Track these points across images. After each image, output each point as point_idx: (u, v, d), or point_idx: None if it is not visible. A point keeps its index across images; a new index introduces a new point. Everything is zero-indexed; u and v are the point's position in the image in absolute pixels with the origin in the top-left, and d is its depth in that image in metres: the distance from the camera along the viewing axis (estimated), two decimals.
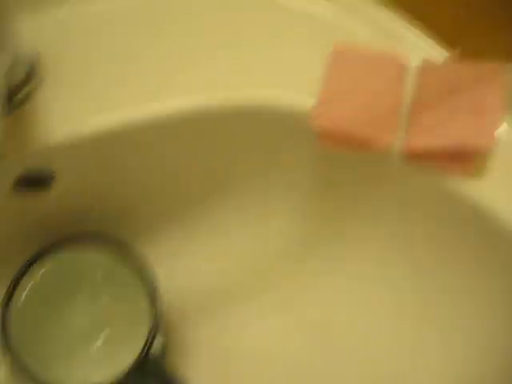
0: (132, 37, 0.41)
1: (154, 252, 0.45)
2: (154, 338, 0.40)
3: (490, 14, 0.47)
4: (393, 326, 0.44)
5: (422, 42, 0.41)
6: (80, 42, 0.41)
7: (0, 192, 0.40)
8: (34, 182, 0.40)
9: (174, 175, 0.44)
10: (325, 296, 0.46)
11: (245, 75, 0.40)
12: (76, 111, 0.38)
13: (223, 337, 0.46)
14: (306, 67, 0.40)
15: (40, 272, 0.42)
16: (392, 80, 0.39)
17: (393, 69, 0.39)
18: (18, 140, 0.37)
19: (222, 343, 0.46)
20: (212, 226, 0.46)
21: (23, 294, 0.42)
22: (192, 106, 0.40)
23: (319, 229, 0.45)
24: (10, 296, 0.41)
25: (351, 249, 0.44)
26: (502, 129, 0.37)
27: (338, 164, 0.41)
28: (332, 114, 0.38)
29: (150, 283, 0.41)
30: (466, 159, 0.37)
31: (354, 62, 0.40)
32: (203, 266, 0.46)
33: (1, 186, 0.39)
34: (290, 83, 0.40)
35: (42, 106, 0.38)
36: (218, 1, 0.43)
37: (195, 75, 0.40)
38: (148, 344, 0.40)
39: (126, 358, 0.40)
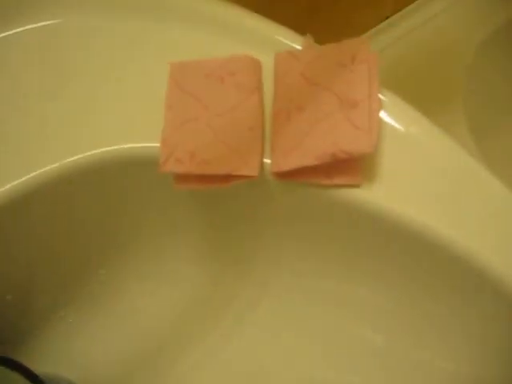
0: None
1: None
2: None
3: None
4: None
5: (273, 34, 0.35)
6: None
7: None
8: None
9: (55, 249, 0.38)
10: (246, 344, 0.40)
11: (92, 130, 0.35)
12: None
13: None
14: (149, 102, 0.34)
15: None
16: (245, 89, 0.33)
17: (244, 74, 0.33)
18: None
19: None
20: (112, 297, 0.41)
21: None
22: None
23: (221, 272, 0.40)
24: None
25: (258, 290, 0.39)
26: (383, 116, 0.31)
27: (213, 199, 0.35)
28: (181, 154, 0.32)
29: None
30: (347, 167, 0.30)
31: (196, 78, 0.34)
32: (112, 342, 0.41)
33: None
34: (135, 128, 0.34)
35: None
36: None
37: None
38: None
39: None
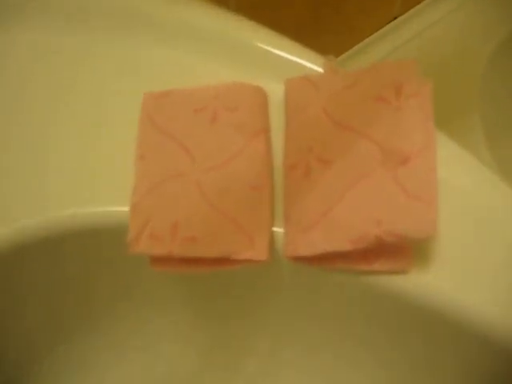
0: None
1: None
2: None
3: None
4: None
5: (280, 52, 0.26)
6: None
7: None
8: None
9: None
10: None
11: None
12: None
13: None
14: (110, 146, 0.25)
15: None
16: (246, 129, 0.24)
17: (243, 109, 0.24)
18: None
19: None
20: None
21: None
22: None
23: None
24: None
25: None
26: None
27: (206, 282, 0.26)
28: (157, 227, 0.22)
29: None
30: (392, 251, 0.21)
31: (180, 116, 0.24)
32: None
33: None
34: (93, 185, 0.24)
35: None
36: None
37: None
38: None
39: None
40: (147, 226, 0.23)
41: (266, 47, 0.26)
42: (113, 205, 0.24)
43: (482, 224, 0.23)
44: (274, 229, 0.23)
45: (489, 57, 0.57)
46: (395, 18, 0.59)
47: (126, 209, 0.23)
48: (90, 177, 0.25)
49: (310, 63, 0.26)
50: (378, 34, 0.56)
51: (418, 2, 0.60)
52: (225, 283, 0.28)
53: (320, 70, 0.25)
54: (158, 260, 0.23)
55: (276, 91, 0.25)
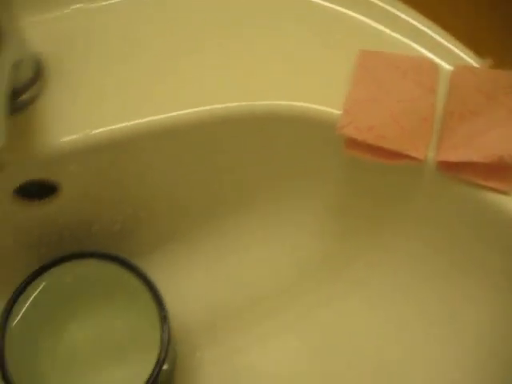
0: (139, 39, 0.38)
1: (157, 272, 0.40)
2: (161, 367, 0.37)
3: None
4: (408, 350, 0.41)
5: (450, 46, 0.39)
6: (84, 44, 0.39)
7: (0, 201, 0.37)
8: (36, 192, 0.37)
9: (179, 190, 0.41)
10: (334, 320, 0.43)
11: (266, 80, 0.38)
12: (80, 118, 0.36)
13: (229, 359, 0.44)
14: (330, 72, 0.38)
15: (39, 288, 0.39)
16: (424, 86, 0.37)
17: (424, 74, 0.37)
18: (20, 146, 0.34)
19: (227, 366, 0.43)
20: (220, 244, 0.43)
21: (22, 311, 0.39)
22: (204, 113, 0.37)
23: (338, 249, 0.43)
24: (8, 312, 0.38)
25: (370, 272, 0.41)
26: None
27: (364, 174, 0.38)
28: (360, 124, 0.36)
29: (160, 307, 0.38)
30: (504, 174, 0.34)
31: (382, 67, 0.38)
32: (208, 287, 0.43)
33: (1, 195, 0.36)
34: (314, 90, 0.38)
35: (45, 110, 0.35)
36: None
37: (210, 81, 0.38)
38: (155, 374, 0.37)
39: (136, 379, 0.37)
40: (352, 122, 0.36)
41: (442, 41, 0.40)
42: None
43: None
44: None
45: None
46: None
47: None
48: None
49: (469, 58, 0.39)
50: None
51: None
52: (376, 193, 0.40)
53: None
54: (352, 144, 0.36)
55: (444, 70, 0.38)
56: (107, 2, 0.40)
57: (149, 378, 0.36)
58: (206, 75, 0.38)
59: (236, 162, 0.41)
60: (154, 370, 0.36)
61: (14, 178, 0.36)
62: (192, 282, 0.43)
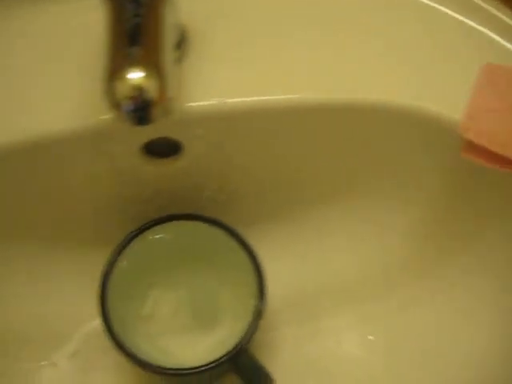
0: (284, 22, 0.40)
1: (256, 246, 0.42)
2: (253, 333, 0.39)
3: None
4: None
5: None
6: (226, 19, 0.41)
7: (128, 154, 0.39)
8: (160, 150, 0.40)
9: (293, 169, 0.42)
10: (416, 320, 0.44)
11: (377, 75, 0.39)
12: (216, 87, 0.38)
13: (304, 343, 0.45)
14: (451, 77, 0.39)
15: (145, 241, 0.41)
16: None
17: None
18: None
19: (302, 348, 0.45)
20: (320, 228, 0.45)
21: (125, 263, 0.41)
22: (329, 99, 0.39)
23: (430, 251, 0.43)
24: (112, 264, 0.40)
25: (464, 276, 0.42)
26: None
27: (476, 177, 0.40)
28: (481, 130, 0.37)
29: (260, 278, 0.39)
30: None
31: (506, 81, 0.39)
32: (305, 268, 0.45)
33: (130, 148, 0.39)
34: (435, 90, 0.39)
35: (185, 75, 0.38)
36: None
37: (339, 68, 0.39)
38: (248, 337, 0.38)
39: (221, 345, 0.39)
40: (473, 127, 0.37)
41: None
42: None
43: None
44: None
45: None
46: None
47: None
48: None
49: None
50: None
51: None
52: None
53: None
54: (470, 149, 0.37)
55: None
56: None
57: (242, 339, 0.38)
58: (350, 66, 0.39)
59: (336, 151, 0.42)
60: (248, 330, 0.38)
61: (146, 133, 0.38)
62: (282, 262, 0.45)
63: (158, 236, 0.41)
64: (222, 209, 0.43)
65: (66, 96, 0.37)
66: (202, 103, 0.37)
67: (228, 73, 0.38)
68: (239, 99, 0.38)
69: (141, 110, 0.28)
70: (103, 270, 0.40)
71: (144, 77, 0.28)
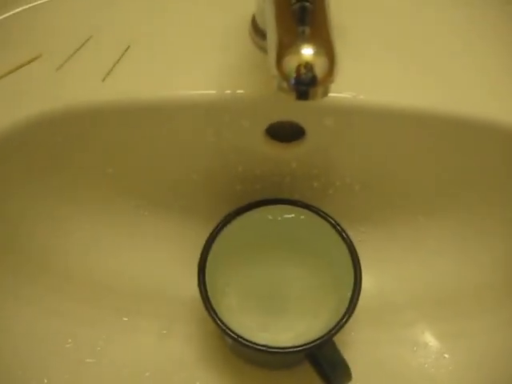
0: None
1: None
2: (344, 324, 0.39)
3: None
4: None
5: None
6: (370, 15, 0.42)
7: (253, 132, 0.40)
8: (283, 133, 0.41)
9: (401, 176, 0.43)
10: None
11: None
12: (351, 82, 0.38)
13: (386, 347, 0.45)
14: None
15: (249, 219, 0.42)
16: None
17: None
18: None
19: (382, 352, 0.45)
20: (418, 239, 0.45)
21: (225, 238, 0.42)
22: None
23: None
24: (214, 237, 0.41)
25: None
26: None
27: None
28: None
29: (357, 271, 0.40)
30: None
31: None
32: (396, 275, 0.45)
33: (257, 127, 0.40)
34: None
35: None
36: None
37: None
38: (339, 328, 0.39)
39: (312, 330, 0.39)
40: None
41: None
42: None
43: None
44: None
45: None
46: None
47: None
48: None
49: None
50: None
51: None
52: None
53: None
54: None
55: None
56: None
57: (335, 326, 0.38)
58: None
59: (447, 164, 0.42)
60: (343, 318, 0.38)
61: (277, 114, 0.39)
62: (375, 266, 0.45)
63: (262, 216, 0.42)
64: (327, 202, 0.44)
65: (209, 66, 0.39)
66: (335, 95, 0.38)
67: (365, 69, 0.39)
68: (371, 97, 0.38)
69: (306, 85, 0.29)
70: (206, 242, 0.40)
71: (315, 53, 0.29)
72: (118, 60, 0.39)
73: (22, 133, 0.38)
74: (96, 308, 0.44)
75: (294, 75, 0.29)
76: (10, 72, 0.39)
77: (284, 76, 0.29)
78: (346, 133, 0.40)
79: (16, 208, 0.42)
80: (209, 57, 0.39)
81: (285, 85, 0.29)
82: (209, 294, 0.39)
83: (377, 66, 0.39)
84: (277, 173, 0.43)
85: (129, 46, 0.40)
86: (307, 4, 0.31)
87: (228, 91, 0.38)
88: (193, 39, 0.40)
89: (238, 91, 0.38)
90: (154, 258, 0.46)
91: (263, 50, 0.39)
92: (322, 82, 0.29)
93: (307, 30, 0.30)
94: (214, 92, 0.38)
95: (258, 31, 0.39)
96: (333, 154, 0.42)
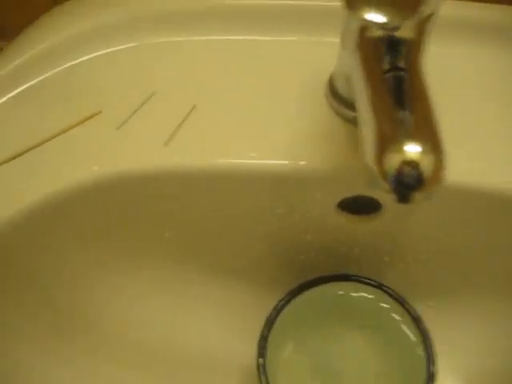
0: None
1: None
2: None
3: None
4: None
5: None
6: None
7: (325, 207, 0.37)
8: (357, 206, 0.37)
9: (469, 253, 0.40)
10: None
11: None
12: None
13: None
14: None
15: (314, 296, 0.39)
16: None
17: None
18: None
19: None
20: (482, 318, 0.42)
21: (289, 311, 0.39)
22: None
23: None
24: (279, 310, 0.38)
25: None
26: None
27: None
28: None
29: (428, 343, 0.37)
30: None
31: None
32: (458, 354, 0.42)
33: (329, 203, 0.37)
34: None
35: None
36: None
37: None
38: None
39: None
40: None
41: None
42: None
43: None
44: None
45: None
46: None
47: None
48: None
49: None
50: None
51: None
52: None
53: None
54: None
55: None
56: None
57: None
58: None
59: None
60: None
61: (354, 189, 0.36)
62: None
63: (331, 291, 0.39)
64: (397, 276, 0.40)
65: (281, 132, 0.36)
66: None
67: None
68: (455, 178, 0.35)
69: (409, 188, 0.25)
70: (270, 314, 0.38)
71: (421, 152, 0.25)
72: (183, 121, 0.36)
73: (77, 196, 0.36)
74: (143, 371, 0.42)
75: (394, 174, 0.26)
76: (70, 128, 0.36)
77: (383, 174, 0.26)
78: (425, 209, 0.37)
79: (70, 274, 0.39)
80: (281, 122, 0.36)
81: (383, 184, 0.26)
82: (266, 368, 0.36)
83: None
84: (345, 244, 0.40)
85: (194, 106, 0.37)
86: (402, 73, 0.28)
87: (303, 162, 0.35)
88: (265, 100, 0.37)
89: (313, 163, 0.35)
90: (207, 325, 0.43)
91: (340, 115, 0.36)
92: (429, 185, 0.26)
93: (409, 116, 0.27)
94: (286, 162, 0.35)
95: (335, 95, 0.36)
96: (408, 230, 0.39)
